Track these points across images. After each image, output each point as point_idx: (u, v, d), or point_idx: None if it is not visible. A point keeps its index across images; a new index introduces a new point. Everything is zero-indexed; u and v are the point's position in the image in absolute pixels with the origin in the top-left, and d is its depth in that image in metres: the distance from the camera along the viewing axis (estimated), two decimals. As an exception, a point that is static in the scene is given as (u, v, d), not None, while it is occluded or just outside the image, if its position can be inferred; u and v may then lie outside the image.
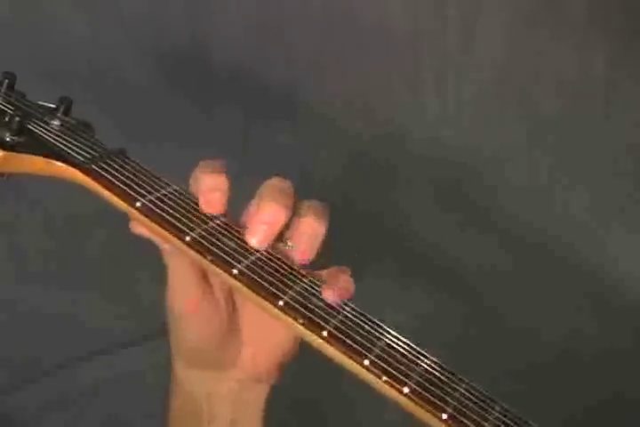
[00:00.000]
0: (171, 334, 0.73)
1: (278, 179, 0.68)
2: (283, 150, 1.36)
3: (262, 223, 0.64)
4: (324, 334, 0.59)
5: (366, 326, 0.61)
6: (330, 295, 0.62)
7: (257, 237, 0.64)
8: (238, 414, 0.76)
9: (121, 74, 1.32)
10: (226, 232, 0.64)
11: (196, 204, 0.66)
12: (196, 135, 1.32)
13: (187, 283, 0.69)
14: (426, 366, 0.59)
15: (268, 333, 0.73)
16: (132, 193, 0.65)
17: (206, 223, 0.64)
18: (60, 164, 0.67)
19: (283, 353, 0.74)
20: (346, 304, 0.62)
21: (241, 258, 0.62)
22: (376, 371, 0.58)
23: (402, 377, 0.58)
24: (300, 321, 0.60)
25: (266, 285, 0.61)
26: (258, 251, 0.64)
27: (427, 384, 0.58)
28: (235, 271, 0.62)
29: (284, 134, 1.36)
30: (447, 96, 1.40)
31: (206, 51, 1.33)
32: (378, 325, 0.62)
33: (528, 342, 1.36)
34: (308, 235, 0.65)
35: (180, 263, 0.69)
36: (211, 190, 0.66)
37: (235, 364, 0.74)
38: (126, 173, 0.67)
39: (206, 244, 0.63)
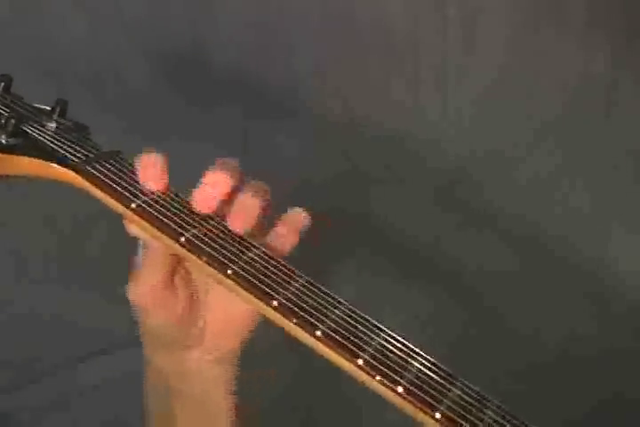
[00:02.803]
0: (136, 317, 0.75)
1: (227, 158, 0.70)
2: (282, 150, 1.36)
3: (207, 185, 0.66)
4: (318, 333, 0.59)
5: (360, 326, 0.61)
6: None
7: (200, 198, 0.65)
8: (205, 392, 0.77)
9: (121, 74, 1.32)
10: (220, 233, 0.64)
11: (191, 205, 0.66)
12: (197, 135, 1.32)
13: (163, 277, 0.71)
14: (420, 365, 0.59)
15: (232, 312, 0.74)
16: (127, 194, 0.65)
17: (201, 224, 0.65)
18: (55, 165, 0.68)
19: (246, 330, 0.75)
20: (341, 303, 0.62)
21: (235, 258, 0.62)
22: (370, 370, 0.58)
23: (395, 377, 0.58)
24: (295, 321, 0.60)
25: (260, 285, 0.61)
26: (252, 252, 0.64)
27: (421, 384, 0.58)
28: (229, 272, 0.62)
29: (283, 134, 1.36)
30: (447, 96, 1.40)
31: (206, 51, 1.33)
32: (372, 324, 0.61)
33: (528, 343, 1.37)
34: (243, 204, 0.66)
35: (161, 263, 0.70)
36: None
37: (199, 343, 0.75)
38: (121, 175, 0.67)
39: (201, 244, 0.63)
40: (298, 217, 0.69)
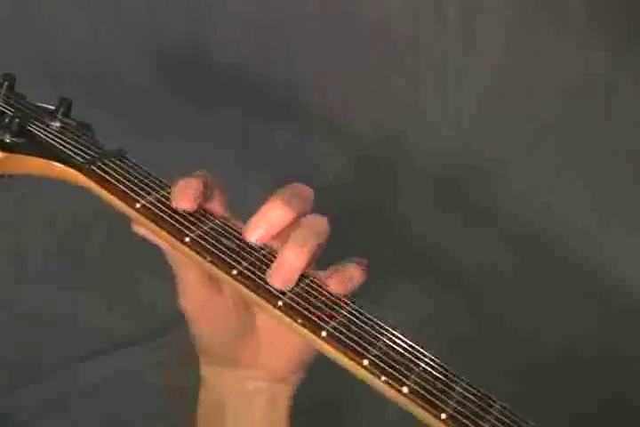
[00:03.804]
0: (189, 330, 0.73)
1: (301, 185, 0.67)
2: (282, 151, 1.36)
3: (263, 220, 0.64)
4: (323, 334, 0.59)
5: (365, 326, 0.61)
6: (332, 285, 0.62)
7: (254, 233, 0.64)
8: (263, 414, 0.75)
9: (121, 74, 1.31)
10: (225, 233, 0.64)
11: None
12: (196, 135, 1.32)
13: (192, 286, 0.69)
14: (425, 365, 0.59)
15: (286, 333, 0.72)
16: (132, 194, 0.65)
17: (206, 224, 0.64)
18: (59, 165, 0.67)
19: (304, 353, 0.73)
20: (346, 304, 0.62)
21: (240, 259, 0.62)
22: (375, 371, 0.58)
23: (401, 377, 0.58)
24: (300, 321, 0.60)
25: (265, 285, 0.61)
26: (257, 252, 0.64)
27: (426, 384, 0.58)
28: (234, 272, 0.62)
29: (283, 135, 1.36)
30: (447, 96, 1.40)
31: (206, 51, 1.33)
32: (377, 324, 0.61)
33: (528, 342, 1.36)
34: (287, 262, 0.63)
35: (185, 267, 0.68)
36: (182, 188, 0.66)
37: (255, 363, 0.73)
38: (126, 174, 0.67)
39: (206, 245, 0.63)
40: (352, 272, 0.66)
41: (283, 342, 0.72)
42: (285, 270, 0.62)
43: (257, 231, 0.64)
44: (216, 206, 0.68)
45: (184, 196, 0.65)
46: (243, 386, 0.74)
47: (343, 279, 0.63)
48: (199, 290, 0.69)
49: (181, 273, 0.69)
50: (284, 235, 0.65)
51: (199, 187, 0.66)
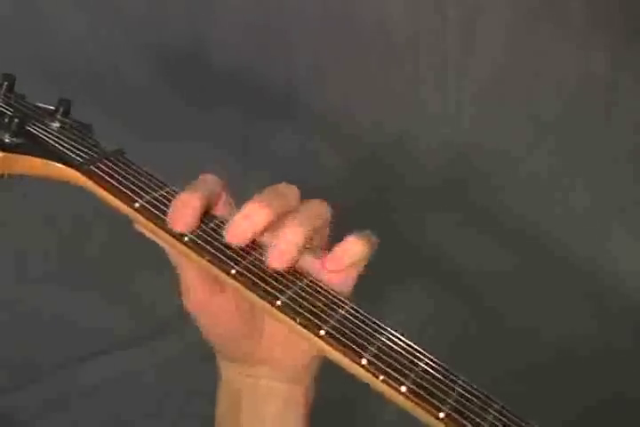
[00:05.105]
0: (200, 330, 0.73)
1: (283, 184, 0.67)
2: (282, 150, 1.36)
3: (240, 219, 0.64)
4: (322, 333, 0.59)
5: (364, 325, 0.61)
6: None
7: (232, 233, 0.63)
8: (278, 413, 0.75)
9: (121, 74, 1.32)
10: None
11: None
12: (196, 135, 1.32)
13: (192, 284, 0.69)
14: (424, 365, 0.59)
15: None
16: (131, 194, 0.65)
17: (204, 224, 0.64)
18: (58, 165, 0.67)
19: (315, 353, 0.73)
20: (344, 303, 0.62)
21: (239, 258, 0.62)
22: (373, 370, 0.58)
23: (399, 376, 0.58)
24: (298, 321, 0.60)
25: (264, 285, 0.61)
26: (256, 251, 0.64)
27: (424, 383, 0.58)
28: (233, 271, 0.61)
29: (283, 134, 1.36)
30: (447, 96, 1.40)
31: (206, 51, 1.33)
32: (376, 323, 0.61)
33: (528, 342, 1.36)
34: (284, 241, 0.63)
35: (185, 266, 0.68)
36: (181, 205, 0.64)
37: (269, 362, 0.73)
38: (125, 174, 0.67)
39: (204, 244, 0.63)
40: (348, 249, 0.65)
41: (294, 342, 0.72)
42: (284, 249, 0.62)
43: (236, 232, 0.63)
44: (219, 207, 0.68)
45: (179, 218, 0.64)
46: (257, 384, 0.74)
47: (335, 258, 0.63)
48: (199, 288, 0.69)
49: (182, 272, 0.69)
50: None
51: (197, 206, 0.64)
